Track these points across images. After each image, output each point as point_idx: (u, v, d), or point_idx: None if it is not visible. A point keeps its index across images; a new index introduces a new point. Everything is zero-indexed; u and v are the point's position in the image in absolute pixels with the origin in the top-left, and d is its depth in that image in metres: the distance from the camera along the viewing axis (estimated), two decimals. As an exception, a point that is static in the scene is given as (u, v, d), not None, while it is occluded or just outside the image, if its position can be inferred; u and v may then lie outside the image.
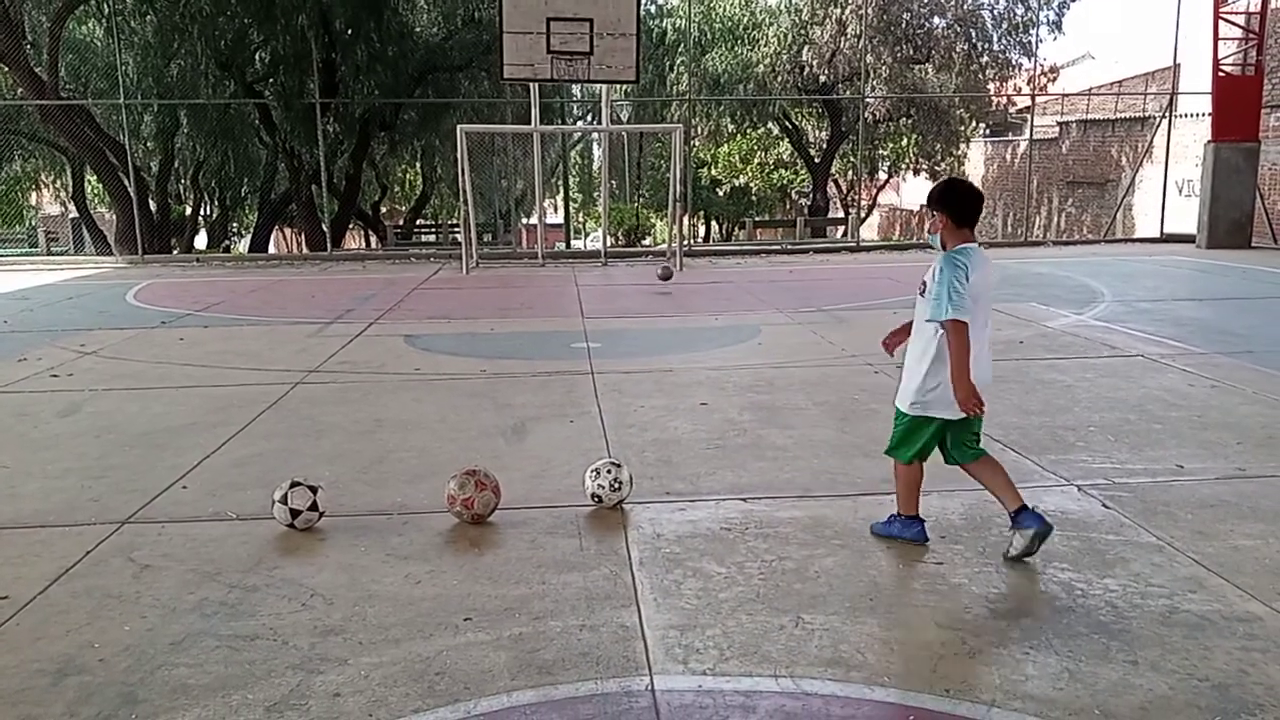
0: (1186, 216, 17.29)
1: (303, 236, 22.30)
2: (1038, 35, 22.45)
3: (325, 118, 17.53)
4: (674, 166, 15.26)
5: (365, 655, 2.97)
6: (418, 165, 27.80)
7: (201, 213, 27.29)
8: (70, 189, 24.25)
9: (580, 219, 33.56)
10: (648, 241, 26.46)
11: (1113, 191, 22.58)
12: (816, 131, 27.81)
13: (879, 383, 6.51)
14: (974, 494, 4.29)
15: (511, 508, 4.15)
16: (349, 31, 17.72)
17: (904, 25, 22.68)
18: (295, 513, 3.93)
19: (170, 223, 22.44)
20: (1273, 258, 14.48)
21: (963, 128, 25.47)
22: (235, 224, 28.49)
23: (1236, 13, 15.98)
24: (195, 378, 7.03)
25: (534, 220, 20.86)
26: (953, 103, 23.88)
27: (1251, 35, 15.74)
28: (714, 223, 33.40)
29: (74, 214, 25.68)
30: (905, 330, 3.88)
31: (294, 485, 3.97)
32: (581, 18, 13.30)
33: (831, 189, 30.17)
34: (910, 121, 24.84)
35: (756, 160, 29.40)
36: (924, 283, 3.57)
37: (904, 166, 28.26)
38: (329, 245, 18.39)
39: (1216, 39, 15.63)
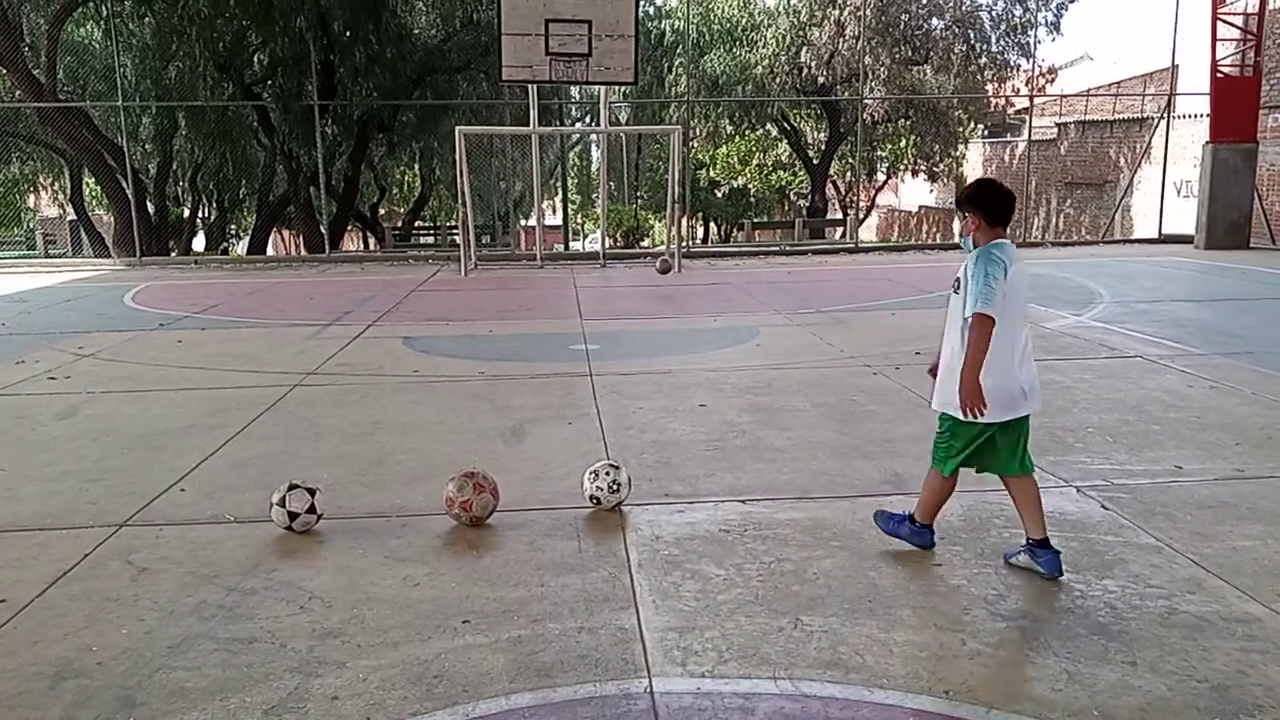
0: (1185, 217, 17.29)
1: (301, 238, 22.29)
2: (1036, 36, 22.51)
3: (323, 120, 17.52)
4: (672, 168, 15.27)
5: (363, 658, 2.96)
6: (416, 167, 27.80)
7: (200, 215, 27.29)
8: (68, 191, 24.25)
9: (579, 220, 33.58)
10: (646, 243, 26.47)
11: (1111, 192, 22.60)
12: (815, 133, 27.85)
13: (877, 384, 6.51)
14: (973, 496, 4.29)
15: (510, 510, 4.15)
16: (347, 33, 17.71)
17: (902, 26, 22.72)
18: (293, 515, 3.92)
19: (168, 225, 22.43)
20: (1271, 258, 14.49)
21: (961, 129, 25.52)
22: (233, 226, 28.48)
23: (1234, 13, 16.00)
24: (193, 380, 7.02)
25: (532, 222, 20.84)
26: (951, 104, 23.92)
27: (1249, 36, 15.75)
28: (712, 224, 33.42)
29: (72, 216, 25.68)
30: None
31: (292, 487, 3.96)
32: (580, 19, 13.31)
33: (830, 190, 30.20)
34: (909, 123, 24.88)
35: (755, 162, 29.43)
36: (957, 280, 3.46)
37: (902, 168, 28.30)
38: (327, 247, 18.37)
39: (1215, 40, 15.64)
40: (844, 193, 31.09)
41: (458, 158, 14.15)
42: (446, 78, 20.17)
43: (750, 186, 29.93)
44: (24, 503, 4.44)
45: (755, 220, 28.76)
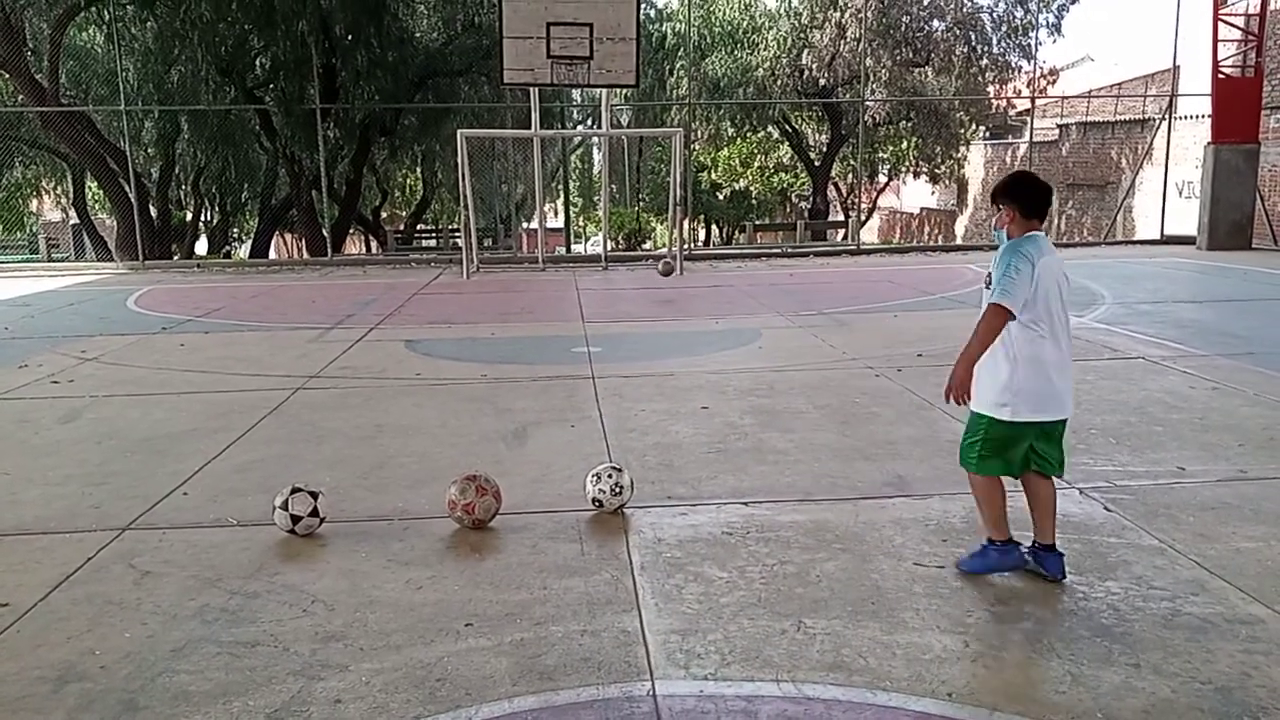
0: (1187, 218, 17.29)
1: (303, 242, 22.31)
2: (1037, 38, 22.50)
3: (325, 123, 17.55)
4: (674, 170, 15.27)
5: (366, 661, 2.96)
6: (418, 170, 27.84)
7: (202, 218, 27.31)
8: (71, 195, 24.29)
9: (580, 223, 33.59)
10: (648, 245, 26.48)
11: (1113, 193, 22.58)
12: (816, 135, 27.86)
13: (880, 386, 6.50)
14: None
15: (512, 513, 4.15)
16: (349, 37, 17.73)
17: (903, 28, 22.72)
18: (296, 519, 3.92)
19: (171, 228, 22.45)
20: (1273, 259, 14.47)
21: (963, 130, 25.52)
22: (236, 229, 28.52)
23: (1236, 14, 16.00)
24: (196, 384, 7.03)
25: (534, 225, 20.88)
26: (952, 106, 23.92)
27: (1251, 37, 15.75)
28: (714, 226, 33.42)
29: (75, 220, 25.71)
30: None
31: (295, 491, 3.96)
32: (581, 22, 13.32)
33: (831, 192, 30.21)
34: (910, 124, 24.89)
35: (756, 164, 29.43)
36: (988, 275, 3.37)
37: (904, 169, 28.32)
38: (329, 250, 18.41)
39: (1216, 40, 15.64)
40: (845, 195, 31.11)
41: (460, 161, 14.17)
42: (448, 81, 20.19)
43: (752, 189, 29.93)
44: (27, 506, 4.45)
45: (757, 222, 28.77)
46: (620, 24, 13.46)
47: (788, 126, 26.88)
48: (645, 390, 6.51)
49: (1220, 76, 15.72)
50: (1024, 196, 3.37)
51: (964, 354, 3.29)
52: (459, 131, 14.22)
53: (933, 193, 31.97)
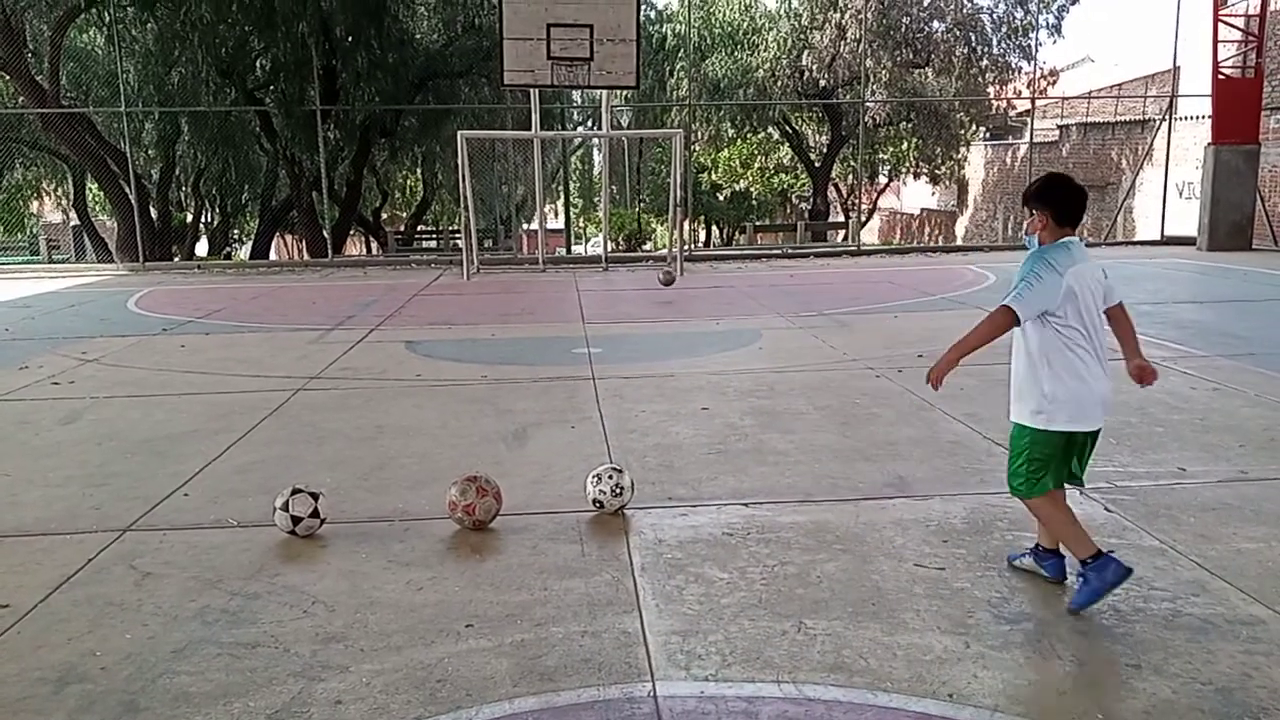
0: (1187, 219, 17.29)
1: (304, 243, 22.33)
2: (1037, 39, 22.53)
3: (326, 124, 17.56)
4: (674, 171, 15.27)
5: (367, 662, 2.96)
6: (418, 171, 27.85)
7: (202, 220, 27.32)
8: (71, 197, 24.32)
9: (581, 224, 33.62)
10: (648, 246, 26.49)
11: (1113, 194, 22.58)
12: (817, 136, 27.87)
13: (880, 387, 6.50)
14: (975, 498, 4.30)
15: (513, 514, 4.15)
16: (349, 39, 17.74)
17: (903, 29, 22.73)
18: (296, 520, 3.92)
19: (171, 230, 22.47)
20: (1274, 260, 14.47)
21: (963, 131, 25.53)
22: (236, 231, 28.54)
23: (1236, 15, 16.00)
24: (196, 385, 7.03)
25: (535, 226, 20.89)
26: (953, 106, 23.93)
27: (1251, 37, 15.75)
28: (714, 227, 33.46)
29: (75, 222, 25.73)
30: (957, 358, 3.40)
31: (295, 492, 3.96)
32: (581, 23, 13.32)
33: (832, 193, 30.22)
34: (910, 125, 24.89)
35: (757, 165, 29.46)
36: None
37: (904, 170, 28.33)
38: (330, 252, 18.42)
39: (1216, 41, 15.64)
40: (846, 195, 31.11)
41: (460, 162, 14.17)
42: (448, 82, 20.21)
43: (752, 190, 29.96)
44: (28, 508, 4.45)
45: (757, 223, 28.79)
46: (620, 25, 13.47)
47: (788, 127, 26.90)
48: (645, 391, 6.51)
49: (1220, 77, 15.72)
50: (1058, 201, 3.23)
51: (958, 343, 3.28)
52: (459, 133, 14.23)
53: (933, 194, 31.98)
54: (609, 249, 18.50)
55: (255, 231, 25.39)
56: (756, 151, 28.79)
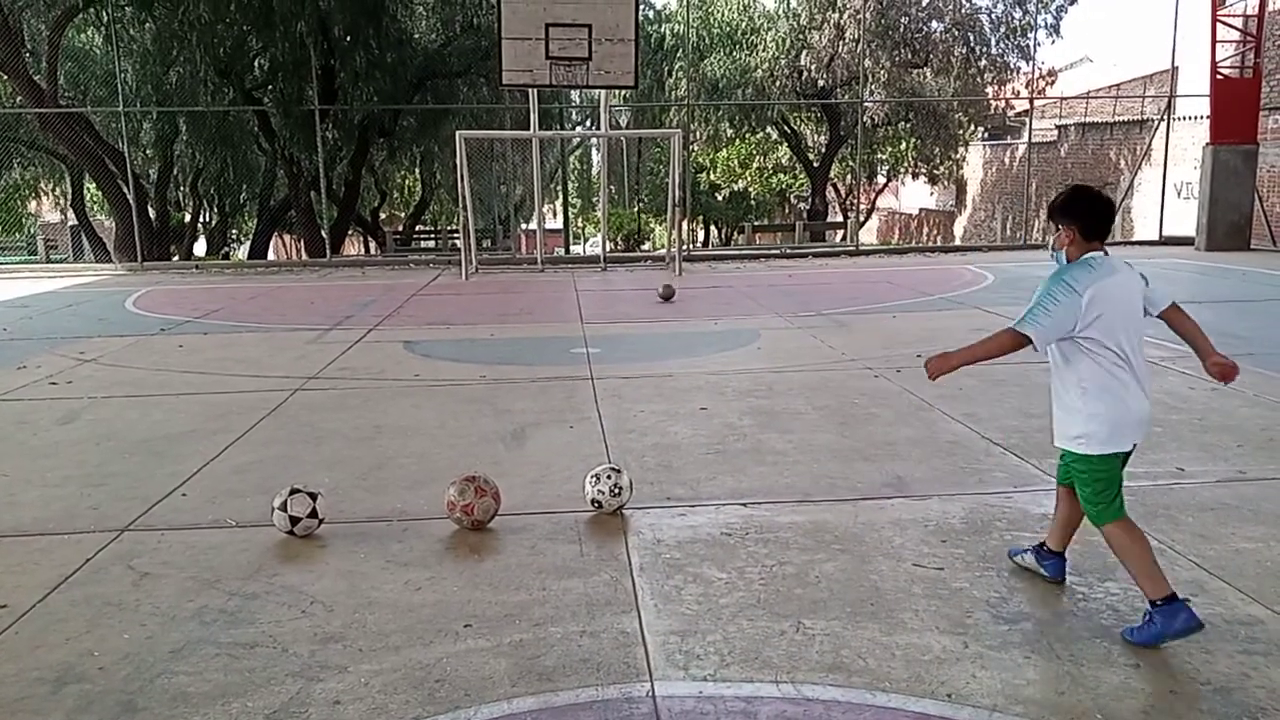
0: (1185, 219, 17.30)
1: (302, 243, 22.34)
2: (1036, 39, 22.53)
3: (324, 124, 17.55)
4: (673, 171, 15.28)
5: (365, 662, 2.96)
6: (417, 171, 27.85)
7: (201, 220, 27.32)
8: (69, 196, 24.29)
9: (579, 224, 33.62)
10: (647, 246, 26.50)
11: (1111, 194, 22.46)
12: (815, 136, 27.88)
13: (878, 387, 6.50)
14: (974, 497, 4.30)
15: (511, 514, 4.15)
16: (348, 38, 17.73)
17: (902, 29, 22.74)
18: (295, 520, 3.92)
19: (169, 230, 22.47)
20: (1272, 260, 14.49)
21: (961, 131, 25.53)
22: (234, 231, 28.53)
23: (1234, 15, 16.01)
24: (195, 385, 7.03)
25: (533, 226, 20.88)
26: (951, 107, 23.94)
27: (1249, 37, 15.76)
28: (713, 227, 33.47)
29: (73, 221, 25.71)
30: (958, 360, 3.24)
31: (293, 492, 3.96)
32: (580, 23, 13.32)
33: (830, 193, 30.23)
34: (909, 125, 24.90)
35: (755, 165, 29.47)
36: None
37: (903, 170, 28.33)
38: (328, 251, 18.40)
39: (1214, 41, 15.65)
40: (844, 195, 31.13)
41: (458, 162, 14.17)
42: (447, 82, 20.21)
43: (750, 189, 29.97)
44: (26, 508, 4.44)
45: (756, 223, 28.79)
46: (619, 25, 13.47)
47: (786, 127, 26.90)
48: (644, 391, 6.51)
49: (1219, 77, 15.73)
50: (1085, 214, 3.10)
51: (964, 350, 3.20)
52: (457, 132, 14.22)
53: (931, 194, 31.99)
54: (607, 249, 18.51)
55: (253, 231, 25.37)
56: (755, 151, 28.80)
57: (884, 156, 27.45)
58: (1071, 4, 23.10)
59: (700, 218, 30.84)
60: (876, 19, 22.05)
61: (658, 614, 3.24)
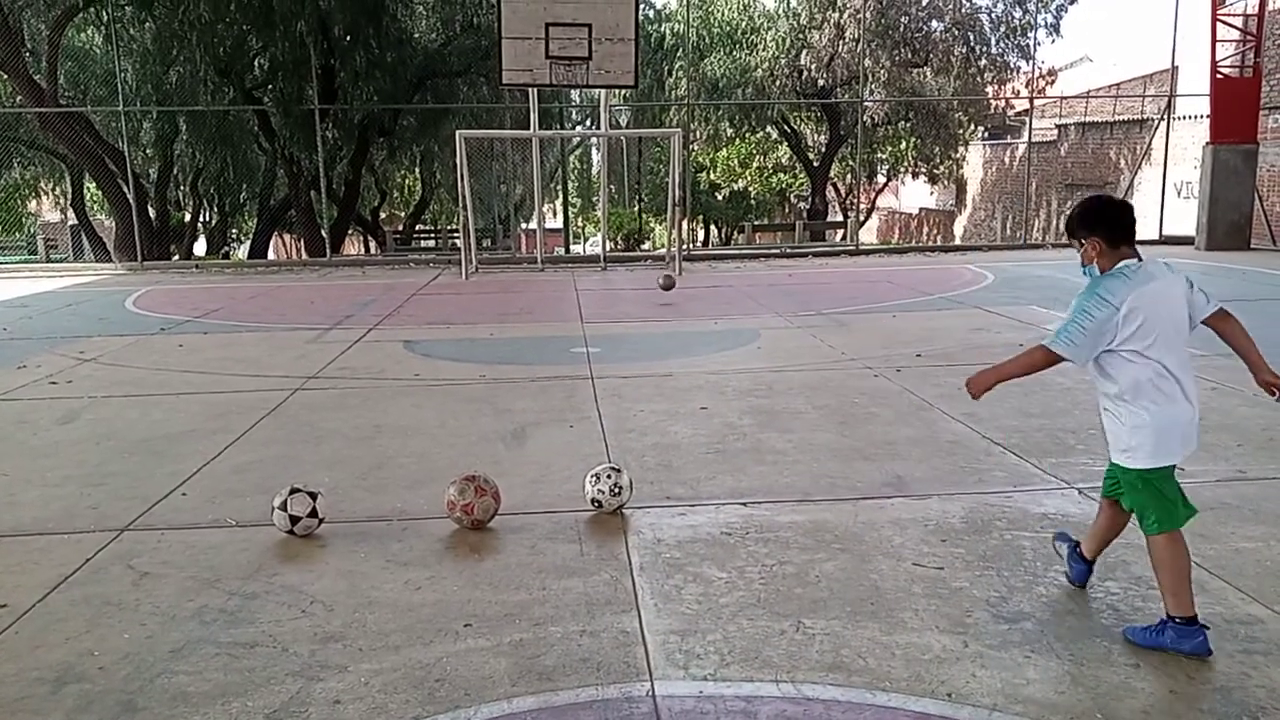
0: (1185, 218, 17.30)
1: (302, 242, 22.34)
2: (1036, 38, 22.53)
3: (324, 124, 17.55)
4: (673, 171, 15.28)
5: (365, 662, 2.96)
6: (417, 171, 27.86)
7: (201, 219, 27.32)
8: (69, 196, 24.30)
9: (579, 224, 33.60)
10: (647, 246, 26.49)
11: (1111, 194, 22.58)
12: (815, 135, 27.89)
13: (878, 386, 6.50)
14: (974, 497, 4.30)
15: (511, 513, 4.14)
16: (348, 38, 17.74)
17: (902, 29, 22.74)
18: (295, 519, 3.92)
19: (169, 229, 22.47)
20: (1272, 259, 14.49)
21: (961, 131, 25.54)
22: (234, 230, 28.53)
23: (1234, 14, 16.01)
24: (194, 384, 7.03)
25: (533, 225, 20.88)
26: (951, 106, 23.94)
27: (1249, 37, 15.76)
28: (713, 227, 33.47)
29: (73, 221, 25.72)
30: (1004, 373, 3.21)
31: (293, 491, 3.96)
32: (580, 23, 13.32)
33: (830, 193, 30.24)
34: (909, 125, 24.90)
35: (755, 164, 29.47)
36: None
37: (903, 170, 28.34)
38: (328, 251, 18.41)
39: (1214, 41, 15.65)
40: (844, 195, 31.14)
41: (458, 161, 14.16)
42: (447, 82, 20.21)
43: (750, 189, 29.97)
44: (25, 508, 4.44)
45: (756, 223, 28.80)
46: (619, 24, 13.47)
47: (786, 127, 26.90)
48: (644, 391, 6.51)
49: (1219, 77, 15.73)
50: (1107, 222, 3.00)
51: (999, 367, 3.13)
52: (457, 132, 14.22)
53: (931, 193, 32.00)
54: (607, 248, 18.51)
55: (253, 231, 25.38)
56: (755, 151, 28.81)
57: (884, 156, 27.46)
58: (1071, 3, 23.13)
59: (700, 217, 30.84)
60: (876, 18, 22.05)
61: (658, 613, 3.24)
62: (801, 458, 4.95)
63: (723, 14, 25.37)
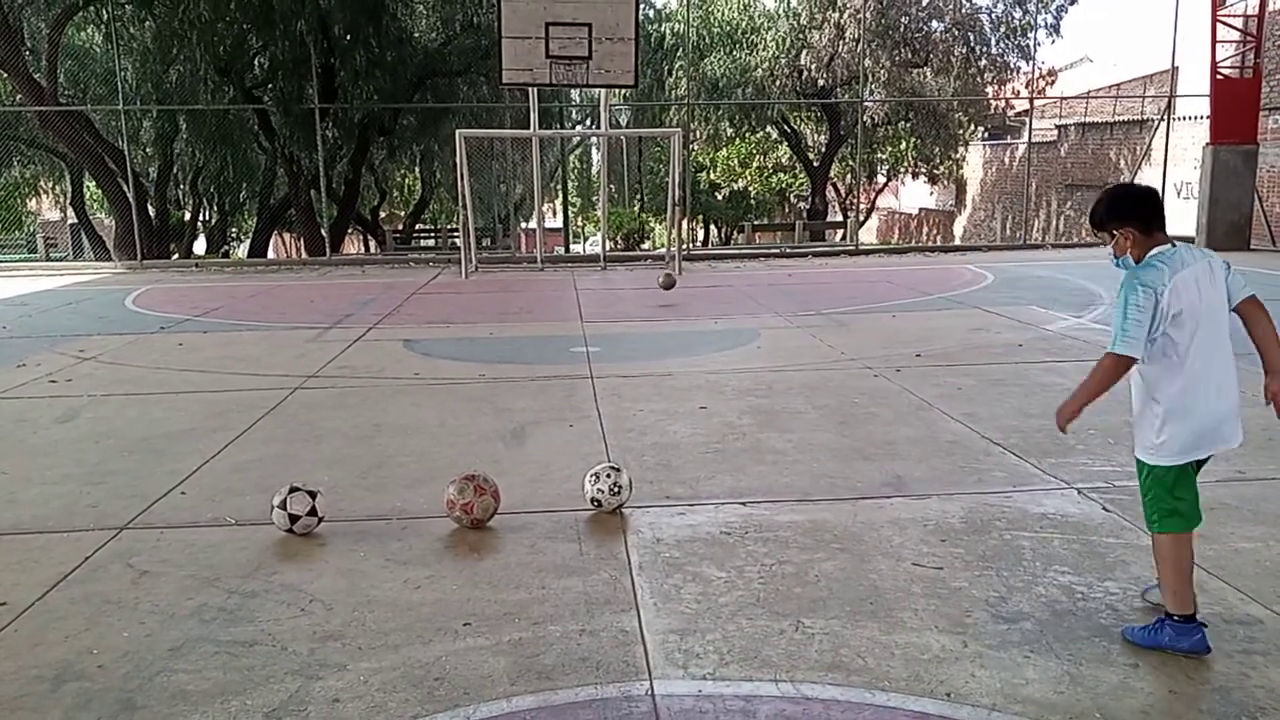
0: (1185, 219, 17.28)
1: (302, 241, 22.33)
2: (1036, 39, 22.53)
3: (324, 123, 17.54)
4: (673, 170, 15.27)
5: (364, 661, 2.96)
6: (417, 170, 27.86)
7: (200, 218, 27.32)
8: (69, 195, 24.30)
9: (579, 223, 33.60)
10: (647, 245, 26.49)
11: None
12: (815, 135, 27.88)
13: (878, 386, 6.50)
14: (973, 497, 4.30)
15: (511, 512, 4.14)
16: (348, 37, 17.73)
17: (902, 29, 22.74)
18: (294, 518, 3.92)
19: (169, 228, 22.45)
20: (1272, 260, 14.49)
21: (961, 131, 25.54)
22: (234, 229, 28.53)
23: (1234, 15, 16.00)
24: (194, 383, 7.03)
25: (533, 224, 20.88)
26: (951, 106, 23.93)
27: (1249, 37, 15.75)
28: (713, 226, 33.46)
29: (73, 220, 25.73)
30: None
31: (293, 490, 3.96)
32: (580, 22, 13.32)
33: (830, 193, 30.23)
34: (909, 125, 24.90)
35: (755, 164, 29.46)
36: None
37: (902, 170, 28.34)
38: (328, 250, 18.41)
39: (1215, 41, 15.64)
40: (844, 195, 31.13)
41: (458, 161, 14.16)
42: (447, 81, 20.20)
43: (750, 189, 29.97)
44: (25, 506, 4.44)
45: (755, 222, 28.79)
46: (619, 24, 13.47)
47: (786, 127, 26.90)
48: (644, 390, 6.51)
49: (1219, 77, 15.72)
50: (1136, 212, 2.93)
51: (1079, 392, 3.01)
52: (457, 131, 14.21)
53: (931, 193, 32.00)
54: (607, 248, 18.50)
55: (253, 230, 25.36)
56: (755, 151, 28.80)
57: (884, 156, 27.46)
58: (1072, 4, 23.12)
59: (700, 217, 30.83)
60: (876, 18, 22.05)
61: (657, 613, 3.24)
62: (801, 457, 4.95)
63: (723, 14, 25.37)
